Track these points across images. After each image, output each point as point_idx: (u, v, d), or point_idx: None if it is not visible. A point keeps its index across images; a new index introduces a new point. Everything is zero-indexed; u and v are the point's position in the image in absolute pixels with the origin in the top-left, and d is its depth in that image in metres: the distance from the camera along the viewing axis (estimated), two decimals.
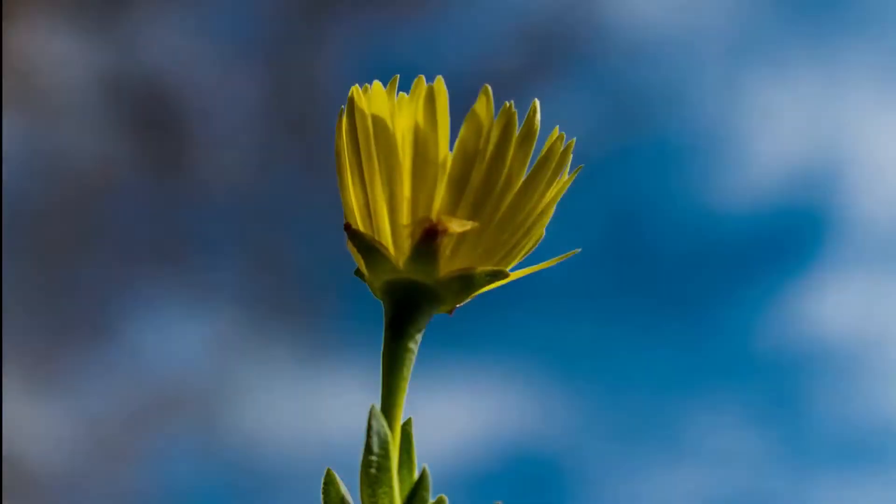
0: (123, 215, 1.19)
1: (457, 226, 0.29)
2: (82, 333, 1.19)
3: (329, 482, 0.28)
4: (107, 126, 1.18)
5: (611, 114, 1.20)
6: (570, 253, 0.32)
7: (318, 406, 1.12)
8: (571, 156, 0.31)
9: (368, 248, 0.29)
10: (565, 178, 0.31)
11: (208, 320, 1.19)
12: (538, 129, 0.30)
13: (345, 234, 0.30)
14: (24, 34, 1.16)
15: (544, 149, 0.30)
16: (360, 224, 0.30)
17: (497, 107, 0.29)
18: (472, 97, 0.29)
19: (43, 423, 1.13)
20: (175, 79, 1.19)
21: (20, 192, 1.14)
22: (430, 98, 0.29)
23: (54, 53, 1.18)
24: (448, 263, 0.29)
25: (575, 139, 0.31)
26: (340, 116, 0.30)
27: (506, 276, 0.30)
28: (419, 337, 0.29)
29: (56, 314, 1.20)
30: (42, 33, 1.17)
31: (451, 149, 0.29)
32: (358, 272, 0.31)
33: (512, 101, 0.29)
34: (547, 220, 0.31)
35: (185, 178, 1.19)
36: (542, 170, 0.30)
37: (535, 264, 0.32)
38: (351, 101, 0.30)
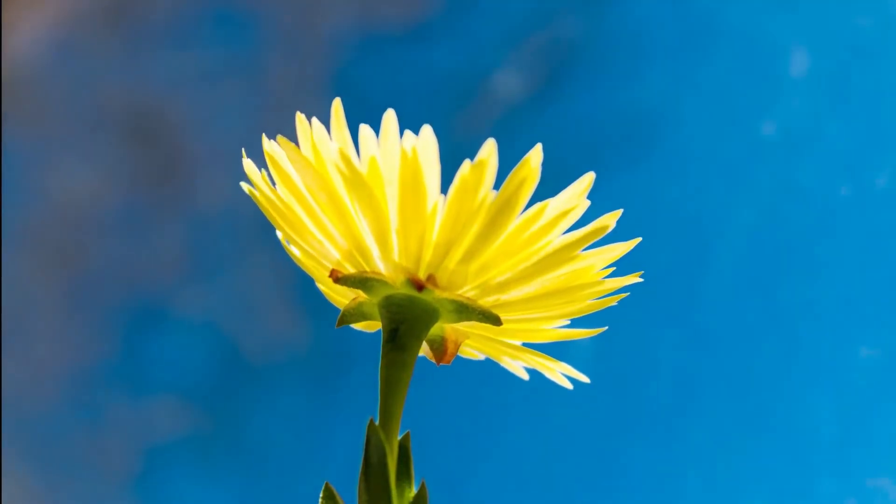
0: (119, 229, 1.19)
1: (444, 284, 0.28)
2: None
3: (327, 496, 0.28)
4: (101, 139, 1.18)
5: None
6: (567, 378, 0.31)
7: (317, 419, 1.12)
8: (625, 252, 0.28)
9: (363, 280, 0.29)
10: (614, 281, 0.28)
11: (210, 335, 1.19)
12: (581, 205, 0.27)
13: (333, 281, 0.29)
14: (22, 44, 1.17)
15: (589, 227, 0.28)
16: (344, 266, 0.29)
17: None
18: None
19: None
20: (169, 92, 1.19)
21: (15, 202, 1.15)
22: (417, 145, 0.27)
23: (50, 67, 1.18)
24: (445, 286, 0.29)
25: (640, 239, 0.28)
26: (252, 172, 0.29)
27: (499, 323, 0.28)
28: (416, 351, 0.29)
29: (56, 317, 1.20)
30: (39, 45, 1.17)
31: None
32: (342, 319, 0.30)
33: (540, 145, 0.26)
34: (580, 307, 0.29)
35: (179, 191, 1.19)
36: (573, 247, 0.28)
37: (554, 358, 0.31)
38: (289, 149, 0.28)
